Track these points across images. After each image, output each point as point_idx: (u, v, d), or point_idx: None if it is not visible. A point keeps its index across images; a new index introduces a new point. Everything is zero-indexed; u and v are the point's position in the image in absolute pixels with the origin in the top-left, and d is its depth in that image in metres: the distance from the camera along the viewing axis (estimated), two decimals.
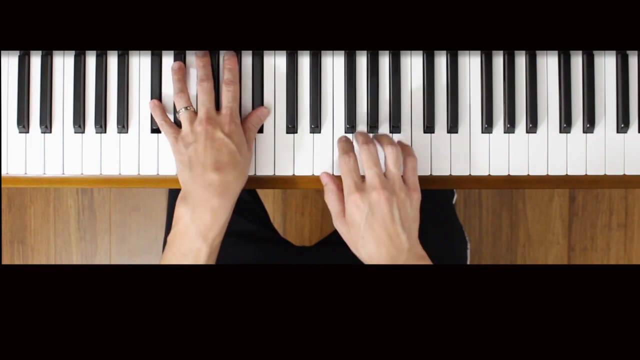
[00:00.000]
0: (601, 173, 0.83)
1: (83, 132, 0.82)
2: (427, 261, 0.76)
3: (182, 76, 0.81)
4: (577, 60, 0.83)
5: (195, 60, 0.81)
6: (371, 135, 0.82)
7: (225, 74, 0.80)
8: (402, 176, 0.77)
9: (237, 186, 0.77)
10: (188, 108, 0.78)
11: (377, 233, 0.74)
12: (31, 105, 0.82)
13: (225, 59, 0.81)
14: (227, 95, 0.79)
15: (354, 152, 0.77)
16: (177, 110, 0.79)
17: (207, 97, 0.78)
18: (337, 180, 0.79)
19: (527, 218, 1.61)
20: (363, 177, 0.77)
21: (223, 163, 0.75)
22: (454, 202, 1.24)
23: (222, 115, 0.77)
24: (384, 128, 0.82)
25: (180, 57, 0.82)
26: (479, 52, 0.83)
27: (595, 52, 0.83)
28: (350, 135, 0.82)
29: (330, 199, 0.78)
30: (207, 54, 0.81)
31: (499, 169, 0.83)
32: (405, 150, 0.79)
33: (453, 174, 0.83)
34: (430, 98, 0.82)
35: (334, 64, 0.83)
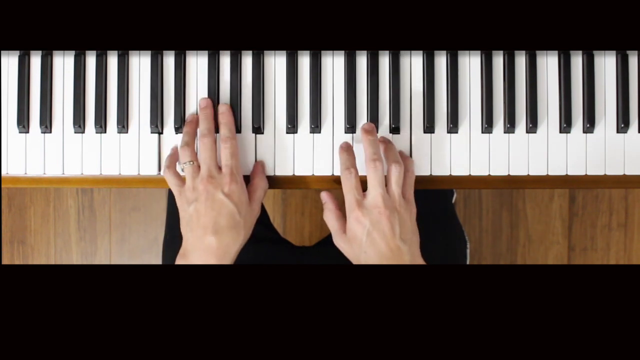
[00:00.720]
0: (601, 173, 0.83)
1: (83, 132, 0.82)
2: None
3: (191, 130, 0.81)
4: (577, 60, 0.83)
5: (198, 109, 0.82)
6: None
7: (222, 130, 0.80)
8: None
9: (235, 246, 0.78)
10: (192, 163, 0.79)
11: (380, 248, 0.75)
12: (31, 105, 0.82)
13: (220, 112, 0.81)
14: (225, 153, 0.79)
15: (355, 167, 0.78)
16: (181, 162, 0.79)
17: (208, 153, 0.78)
18: (336, 199, 0.81)
19: (527, 218, 1.61)
20: (364, 191, 0.77)
21: (221, 225, 0.76)
22: (453, 201, 1.24)
23: (223, 175, 0.78)
24: (383, 128, 0.82)
25: (180, 57, 0.82)
26: (479, 52, 0.83)
27: (595, 52, 0.83)
28: (350, 136, 0.82)
29: (329, 217, 0.80)
30: (209, 105, 0.81)
31: (499, 169, 0.83)
32: (404, 165, 0.79)
33: (453, 174, 0.83)
34: (430, 98, 0.82)
35: (334, 64, 0.83)
